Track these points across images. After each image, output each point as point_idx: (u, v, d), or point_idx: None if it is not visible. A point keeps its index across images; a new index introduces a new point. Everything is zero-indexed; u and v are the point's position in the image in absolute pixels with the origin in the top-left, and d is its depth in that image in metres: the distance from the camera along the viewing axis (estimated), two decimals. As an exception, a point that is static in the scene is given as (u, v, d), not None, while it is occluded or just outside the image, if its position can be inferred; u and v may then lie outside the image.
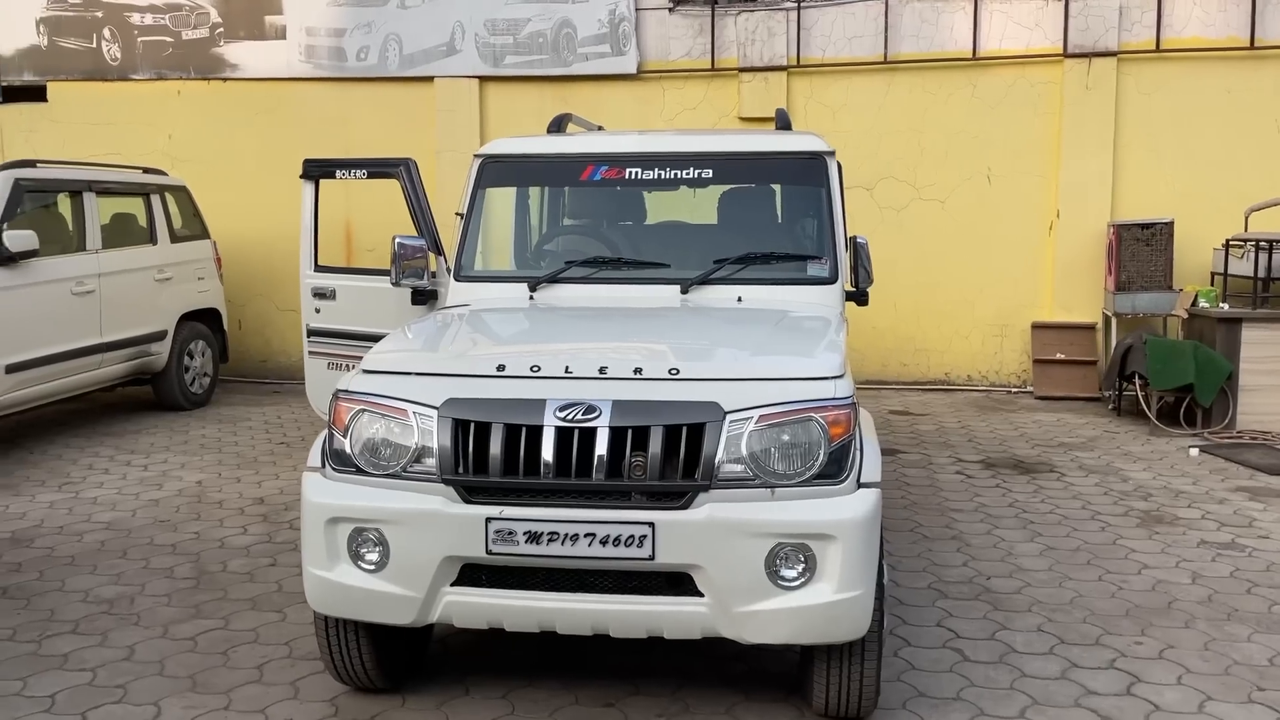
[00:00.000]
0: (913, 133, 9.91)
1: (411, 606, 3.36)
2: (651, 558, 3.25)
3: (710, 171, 4.75)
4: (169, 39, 10.41)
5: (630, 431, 3.28)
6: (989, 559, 5.29)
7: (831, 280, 4.53)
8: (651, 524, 3.24)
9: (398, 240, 4.71)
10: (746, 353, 3.72)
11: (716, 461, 3.25)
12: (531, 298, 4.54)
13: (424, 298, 4.79)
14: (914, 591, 4.85)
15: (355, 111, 10.31)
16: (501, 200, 5.03)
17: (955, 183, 9.92)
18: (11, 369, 7.16)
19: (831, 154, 4.78)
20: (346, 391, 3.51)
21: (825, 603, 3.24)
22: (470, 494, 3.31)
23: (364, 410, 3.44)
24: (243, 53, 10.31)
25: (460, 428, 3.32)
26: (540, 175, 4.86)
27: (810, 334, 3.95)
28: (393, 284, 4.71)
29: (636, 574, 3.31)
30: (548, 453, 3.27)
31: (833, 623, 3.27)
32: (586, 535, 3.25)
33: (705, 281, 4.49)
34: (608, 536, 3.24)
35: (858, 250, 4.59)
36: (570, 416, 3.30)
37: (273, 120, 10.39)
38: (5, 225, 7.26)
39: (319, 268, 5.40)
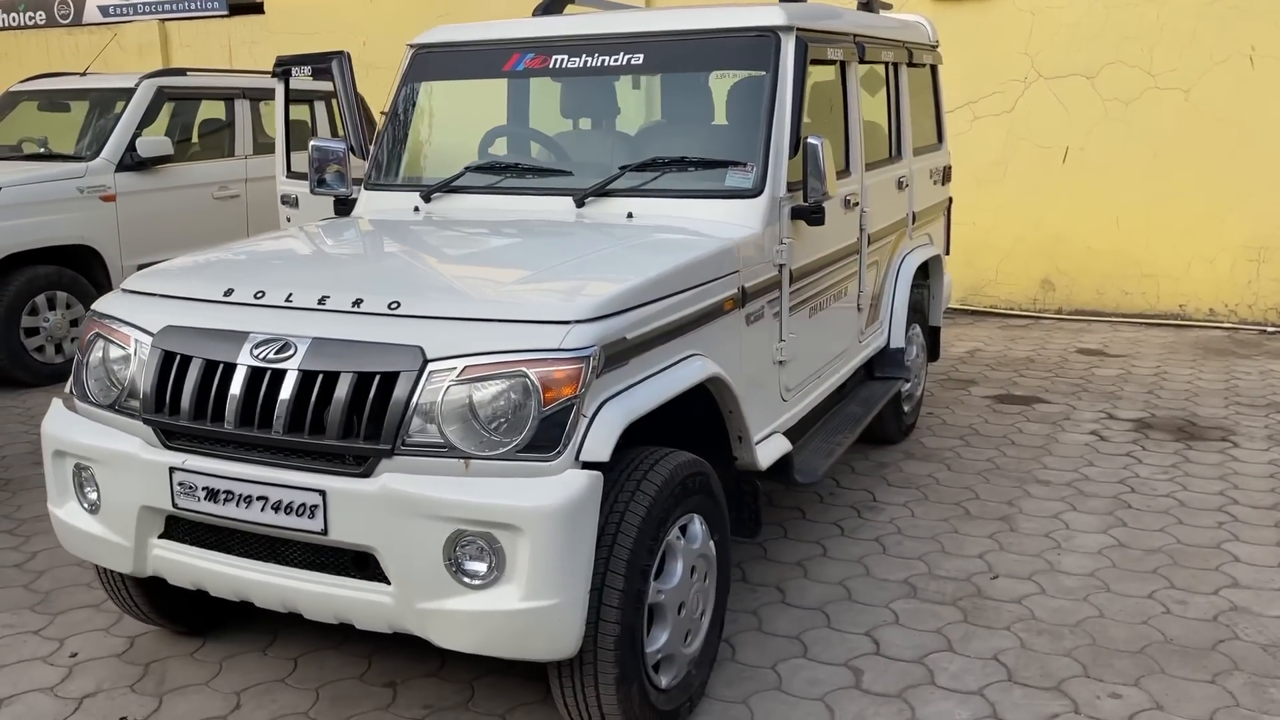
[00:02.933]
0: (1148, 3, 8.02)
1: (126, 555, 3.02)
2: (324, 532, 2.68)
3: (640, 57, 3.89)
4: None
5: (321, 377, 2.69)
6: (1019, 551, 4.15)
7: (754, 192, 3.58)
8: (323, 492, 2.67)
9: (313, 143, 4.29)
10: (497, 285, 2.96)
11: (404, 421, 2.60)
12: (417, 209, 3.98)
13: (347, 208, 4.36)
14: (879, 584, 3.88)
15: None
16: (453, 97, 4.44)
17: (1204, 67, 7.96)
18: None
19: (791, 31, 3.75)
20: (93, 311, 3.18)
21: (510, 610, 2.53)
22: (169, 438, 2.89)
23: (99, 334, 3.10)
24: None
25: (167, 360, 2.89)
26: (470, 67, 4.22)
27: (626, 262, 3.11)
28: (310, 192, 4.31)
29: (326, 548, 2.75)
30: (235, 396, 2.77)
31: (523, 636, 2.55)
32: (260, 498, 2.74)
33: (605, 193, 3.70)
34: (280, 502, 2.72)
35: (808, 155, 3.58)
36: (264, 355, 2.76)
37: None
38: (141, 131, 7.61)
39: (291, 174, 5.11)
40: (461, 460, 2.57)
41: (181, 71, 8.22)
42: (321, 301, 2.84)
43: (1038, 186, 8.60)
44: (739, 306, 3.37)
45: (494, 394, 2.56)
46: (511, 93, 4.42)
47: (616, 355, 2.68)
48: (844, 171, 4.32)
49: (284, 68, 5.14)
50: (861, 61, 4.47)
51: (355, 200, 4.28)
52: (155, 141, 7.56)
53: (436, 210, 3.95)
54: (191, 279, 3.16)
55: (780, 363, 3.75)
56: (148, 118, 7.70)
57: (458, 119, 4.27)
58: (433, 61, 4.28)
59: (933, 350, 5.91)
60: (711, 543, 3.09)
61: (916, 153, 5.37)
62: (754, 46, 3.77)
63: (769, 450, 3.55)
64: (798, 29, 3.78)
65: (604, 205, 3.70)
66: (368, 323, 2.74)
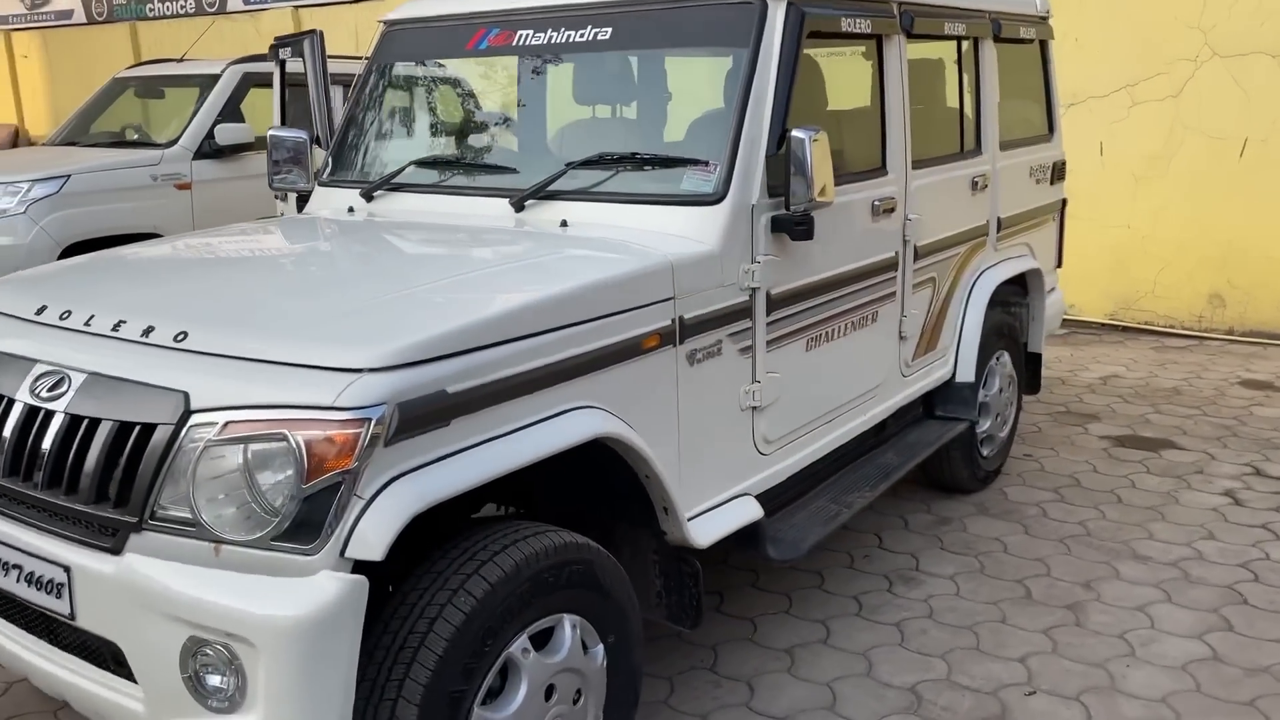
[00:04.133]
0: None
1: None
2: (72, 616, 2.17)
3: (607, 32, 3.20)
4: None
5: (85, 423, 2.19)
6: (1077, 656, 3.25)
7: (714, 198, 2.84)
8: (68, 568, 2.16)
9: (271, 133, 3.83)
10: (306, 315, 2.34)
11: (155, 487, 2.06)
12: (351, 210, 3.43)
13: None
14: (876, 692, 3.09)
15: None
16: (426, 80, 3.88)
17: None
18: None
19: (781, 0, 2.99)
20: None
21: (249, 745, 1.95)
22: (-46, 476, 2.46)
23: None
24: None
25: (-40, 387, 2.46)
26: (437, 47, 3.65)
27: (490, 289, 2.45)
28: (269, 186, 3.85)
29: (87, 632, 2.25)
30: (4, 438, 2.30)
31: (268, 782, 1.96)
32: (15, 566, 2.27)
33: (550, 195, 3.05)
34: (31, 574, 2.23)
35: (791, 152, 2.82)
36: (40, 391, 2.29)
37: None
38: (227, 117, 7.45)
39: (286, 165, 4.68)
40: (212, 544, 2.01)
41: (257, 57, 8.03)
42: (116, 327, 2.33)
43: (1208, 184, 7.33)
44: (673, 342, 2.67)
45: (252, 460, 1.98)
46: (482, 75, 3.81)
47: (428, 415, 2.05)
48: (876, 171, 3.51)
49: (276, 49, 4.74)
50: (911, 36, 3.63)
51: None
52: (235, 129, 7.37)
53: (375, 211, 3.40)
54: (21, 290, 2.71)
55: (756, 408, 3.01)
56: (232, 103, 7.54)
57: (427, 106, 3.70)
58: (402, 40, 3.73)
59: (1033, 381, 4.96)
60: (598, 650, 2.42)
61: (1009, 146, 4.45)
62: (732, 18, 3.02)
63: (718, 522, 2.83)
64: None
65: (546, 209, 3.05)
66: (146, 356, 2.22)
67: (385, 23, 3.80)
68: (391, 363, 2.01)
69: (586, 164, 3.05)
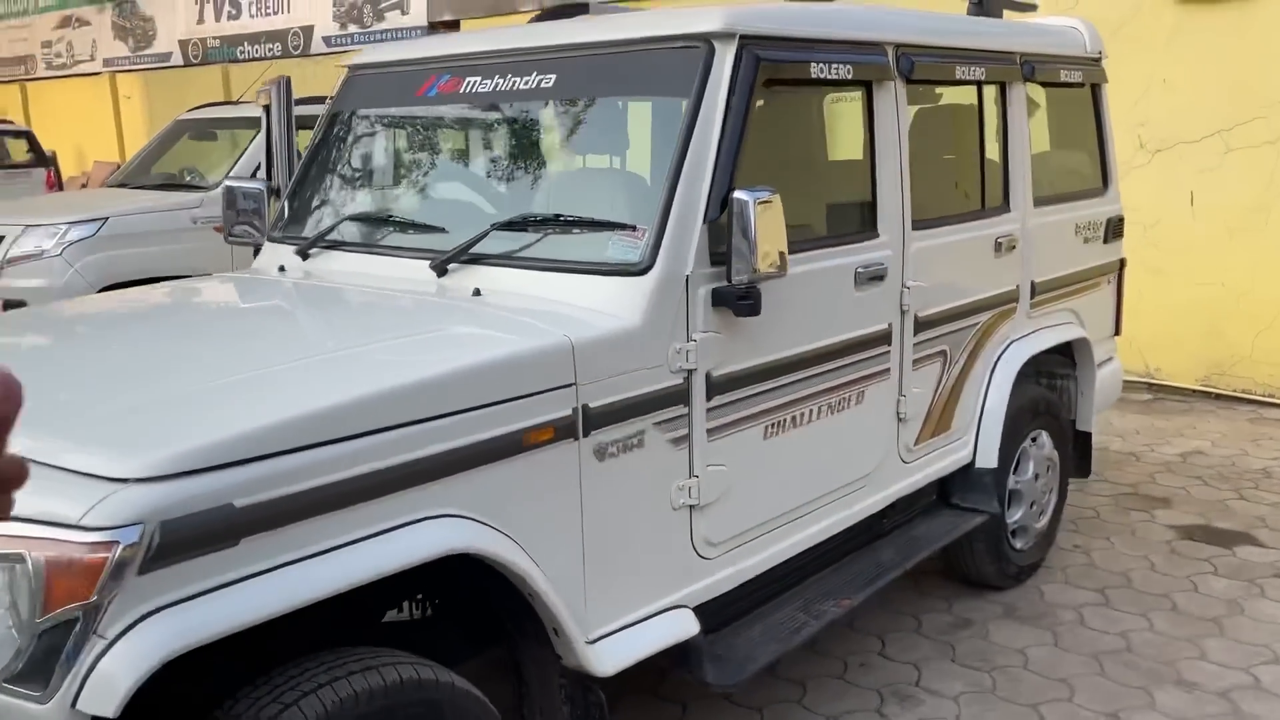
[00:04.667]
0: None
1: None
2: None
3: (551, 79, 2.88)
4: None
5: None
6: (1078, 814, 2.74)
7: (640, 268, 2.47)
8: None
9: (226, 184, 3.62)
10: (101, 406, 2.03)
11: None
12: (283, 269, 3.17)
13: (265, 260, 3.63)
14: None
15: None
16: (387, 130, 3.62)
17: None
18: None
19: (729, 40, 2.62)
20: None
21: None
22: None
23: None
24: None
25: None
26: (393, 94, 3.37)
27: (325, 377, 2.11)
28: (225, 239, 3.64)
29: None
30: None
31: None
32: None
33: (476, 259, 2.73)
34: None
35: (735, 217, 2.45)
36: None
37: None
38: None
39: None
40: (-52, 677, 1.72)
41: (320, 99, 7.97)
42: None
43: (1314, 239, 6.63)
44: (573, 435, 2.30)
45: (-7, 583, 1.69)
46: (430, 125, 3.51)
47: (205, 535, 1.73)
48: (864, 233, 3.09)
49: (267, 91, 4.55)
50: (910, 81, 3.21)
51: (270, 252, 3.55)
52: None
53: (308, 270, 3.13)
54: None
55: (694, 506, 2.62)
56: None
57: (375, 158, 3.43)
58: (361, 86, 3.48)
59: (1082, 463, 4.41)
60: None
61: (1048, 201, 3.97)
62: (675, 62, 2.67)
63: (635, 643, 2.44)
64: (741, 36, 2.64)
65: (469, 275, 2.72)
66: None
67: (350, 67, 3.56)
68: (157, 472, 1.70)
69: (511, 225, 2.73)
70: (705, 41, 2.64)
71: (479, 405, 2.11)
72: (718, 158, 2.57)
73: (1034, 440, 4.00)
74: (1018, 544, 4.01)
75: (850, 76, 2.95)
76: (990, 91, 3.70)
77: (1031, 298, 3.90)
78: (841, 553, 3.27)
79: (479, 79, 3.04)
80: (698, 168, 2.54)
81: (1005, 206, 3.74)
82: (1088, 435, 4.37)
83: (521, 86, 2.92)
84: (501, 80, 2.97)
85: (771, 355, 2.77)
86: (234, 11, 13.41)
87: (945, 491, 3.74)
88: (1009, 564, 3.98)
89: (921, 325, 3.33)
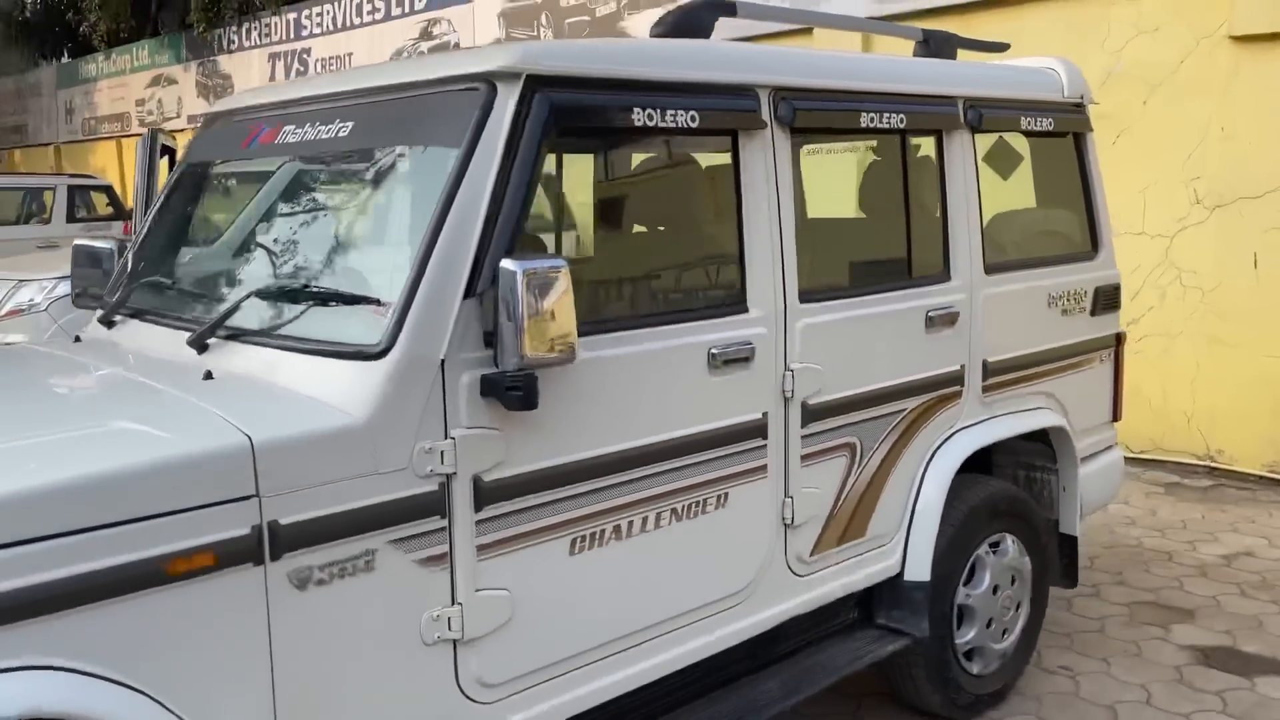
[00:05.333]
0: None
1: None
2: None
3: (348, 127, 2.50)
4: (585, 18, 9.80)
5: None
6: None
7: (377, 351, 2.05)
8: None
9: (76, 244, 3.35)
10: None
11: None
12: (78, 339, 2.86)
13: (118, 325, 3.33)
14: None
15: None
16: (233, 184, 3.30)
17: None
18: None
19: (514, 81, 2.20)
20: None
21: None
22: None
23: None
24: (641, 23, 9.27)
25: None
26: (225, 146, 3.04)
27: None
28: (73, 303, 3.37)
29: None
30: None
31: None
32: None
33: (238, 334, 2.35)
34: None
35: (500, 291, 2.03)
36: None
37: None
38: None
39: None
40: None
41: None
42: None
43: (1399, 308, 5.80)
44: (253, 560, 1.88)
45: None
46: (247, 179, 3.15)
47: None
48: (725, 307, 2.62)
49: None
50: (795, 131, 2.74)
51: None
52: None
53: (103, 340, 2.81)
54: None
55: (459, 641, 2.16)
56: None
57: (195, 217, 3.11)
58: (209, 138, 3.18)
59: (1069, 570, 3.77)
60: None
61: (1015, 267, 3.42)
62: (454, 107, 2.26)
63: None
64: (530, 76, 2.21)
65: (225, 353, 2.34)
66: None
67: (205, 116, 3.27)
68: None
69: (266, 295, 2.35)
70: (486, 82, 2.23)
71: (94, 526, 1.71)
72: (491, 219, 2.14)
73: (994, 547, 3.40)
74: (974, 668, 3.40)
75: (697, 124, 2.49)
76: (923, 142, 3.19)
77: (984, 380, 3.33)
78: (712, 685, 2.75)
79: (294, 128, 2.69)
80: (462, 231, 2.12)
81: (944, 274, 3.20)
82: (1073, 539, 3.74)
83: (323, 136, 2.56)
84: (310, 130, 2.61)
85: (578, 454, 2.31)
86: (301, 69, 13.60)
87: (870, 608, 3.18)
88: (960, 692, 3.36)
89: (814, 414, 2.82)
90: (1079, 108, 3.66)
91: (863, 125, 2.89)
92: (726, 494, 2.64)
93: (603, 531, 2.38)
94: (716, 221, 2.72)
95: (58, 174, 15.79)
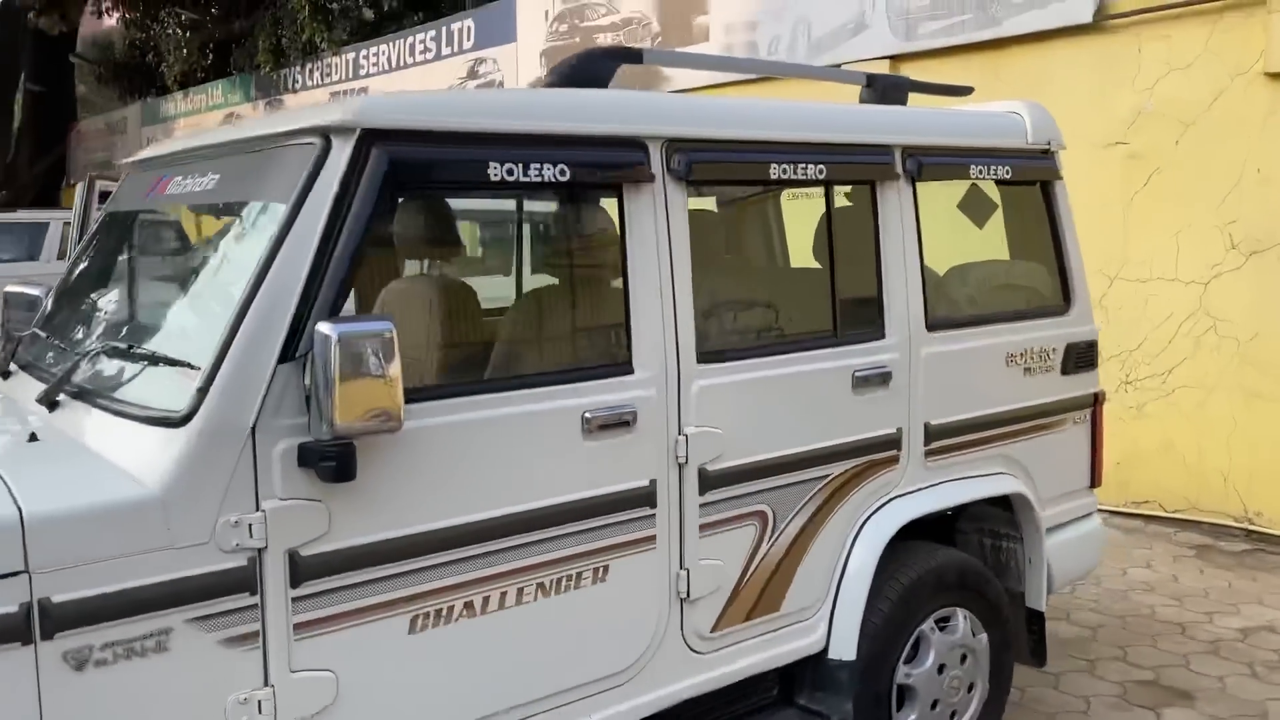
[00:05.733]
0: None
1: None
2: None
3: (215, 179, 2.43)
4: (621, 56, 9.76)
5: None
6: None
7: (180, 418, 1.96)
8: None
9: (7, 290, 3.36)
10: None
11: None
12: (-25, 394, 2.83)
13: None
14: None
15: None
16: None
17: None
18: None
19: (348, 135, 2.11)
20: None
21: None
22: None
23: None
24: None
25: None
26: (133, 195, 3.00)
27: None
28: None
29: None
30: None
31: None
32: None
33: (81, 393, 2.29)
34: None
35: (314, 356, 1.93)
36: None
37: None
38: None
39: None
40: None
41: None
42: None
43: None
44: (19, 640, 1.79)
45: None
46: (137, 229, 3.08)
47: None
48: (615, 368, 2.48)
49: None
50: (693, 184, 2.59)
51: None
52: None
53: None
54: None
55: (271, 729, 2.04)
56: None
57: (100, 270, 3.07)
58: (127, 187, 3.15)
59: (1037, 648, 3.50)
60: None
61: (965, 324, 3.22)
62: (290, 162, 2.17)
63: None
64: (366, 130, 2.12)
65: (69, 413, 2.29)
66: None
67: (128, 164, 3.25)
68: None
69: (101, 354, 2.28)
70: (323, 137, 2.14)
71: None
72: (315, 279, 2.04)
73: (941, 623, 3.17)
74: (906, 760, 3.15)
75: (568, 178, 2.36)
76: (856, 193, 3.01)
77: (927, 443, 3.11)
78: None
79: (180, 179, 2.64)
80: (281, 291, 2.03)
81: (877, 331, 3.00)
82: (1039, 615, 3.47)
83: (194, 190, 2.50)
84: (188, 182, 2.56)
85: (417, 527, 2.18)
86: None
87: (790, 687, 2.98)
88: (903, 778, 3.13)
89: (714, 481, 2.65)
90: (1046, 154, 3.43)
91: (774, 177, 2.73)
92: (606, 566, 2.48)
93: (451, 608, 2.25)
94: (600, 278, 2.59)
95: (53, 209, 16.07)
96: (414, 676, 2.21)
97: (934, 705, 3.15)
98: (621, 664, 2.55)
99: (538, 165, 2.31)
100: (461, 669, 2.28)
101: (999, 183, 3.35)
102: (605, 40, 9.99)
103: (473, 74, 11.76)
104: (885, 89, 3.22)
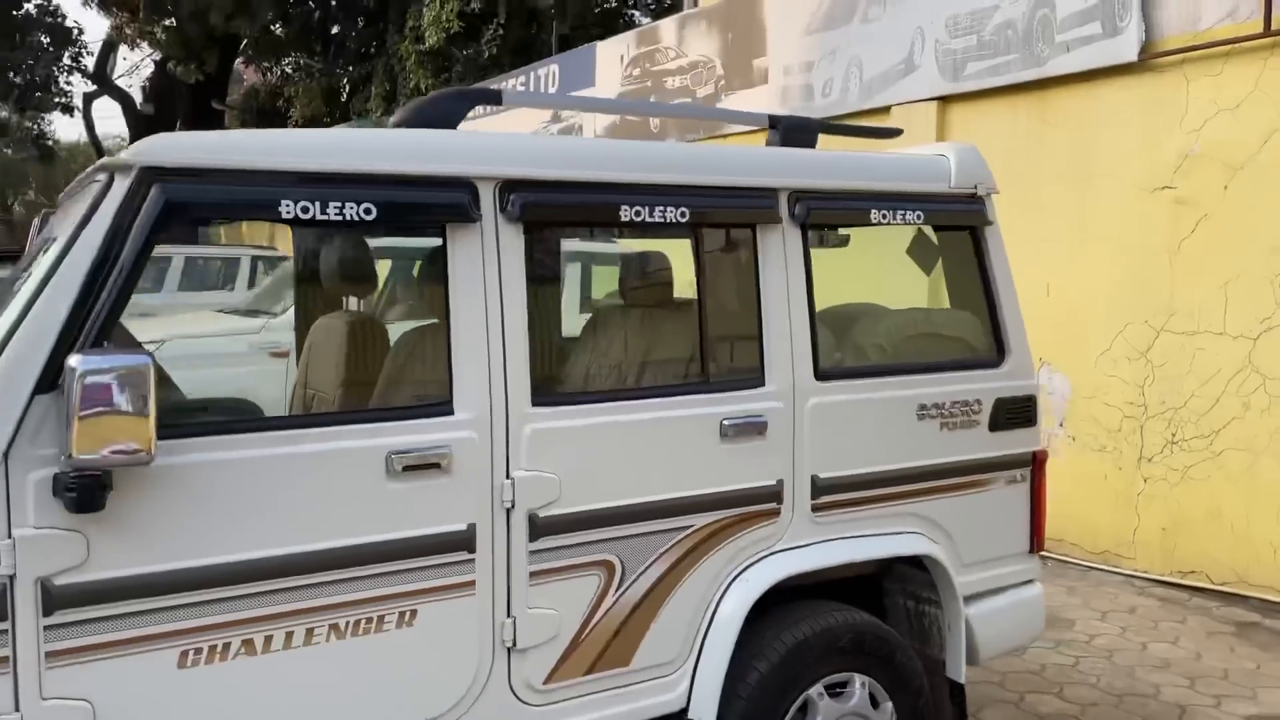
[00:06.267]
0: None
1: None
2: None
3: (63, 214, 2.54)
4: (688, 99, 9.77)
5: None
6: None
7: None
8: None
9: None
10: None
11: None
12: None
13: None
14: None
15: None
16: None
17: None
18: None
19: (126, 173, 2.16)
20: None
21: None
22: None
23: None
24: (732, 105, 9.14)
25: None
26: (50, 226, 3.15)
27: None
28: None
29: None
30: None
31: None
32: None
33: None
34: None
35: (65, 386, 1.98)
36: None
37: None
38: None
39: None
40: None
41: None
42: None
43: None
44: None
45: None
46: None
47: None
48: (432, 408, 2.45)
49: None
50: (531, 225, 2.56)
51: None
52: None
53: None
54: None
55: (22, 752, 2.07)
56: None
57: None
58: (53, 219, 3.31)
59: (960, 722, 3.28)
60: None
61: (867, 374, 3.06)
62: (84, 199, 2.25)
63: None
64: (146, 168, 2.17)
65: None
66: None
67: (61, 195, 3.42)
68: None
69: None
70: (108, 173, 2.20)
71: None
72: (79, 311, 2.09)
73: (834, 689, 2.99)
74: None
75: (374, 218, 2.36)
76: (735, 236, 2.91)
77: (814, 497, 2.96)
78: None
79: (60, 211, 2.76)
80: (44, 322, 2.08)
81: (755, 379, 2.88)
82: (960, 688, 3.25)
83: (55, 221, 2.61)
84: (59, 213, 2.68)
85: (187, 561, 2.18)
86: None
87: (648, 747, 2.85)
88: None
89: (546, 528, 2.57)
90: (973, 199, 3.24)
91: (625, 219, 2.66)
92: (415, 610, 2.43)
93: (227, 645, 2.24)
94: (421, 317, 2.57)
95: (242, 245, 17.12)
96: (185, 712, 2.21)
97: (822, 781, 2.97)
98: (435, 711, 2.49)
99: (338, 204, 2.31)
100: (241, 707, 2.27)
101: (922, 227, 3.18)
102: (674, 83, 10.04)
103: (555, 118, 11.98)
104: (788, 130, 3.11)
